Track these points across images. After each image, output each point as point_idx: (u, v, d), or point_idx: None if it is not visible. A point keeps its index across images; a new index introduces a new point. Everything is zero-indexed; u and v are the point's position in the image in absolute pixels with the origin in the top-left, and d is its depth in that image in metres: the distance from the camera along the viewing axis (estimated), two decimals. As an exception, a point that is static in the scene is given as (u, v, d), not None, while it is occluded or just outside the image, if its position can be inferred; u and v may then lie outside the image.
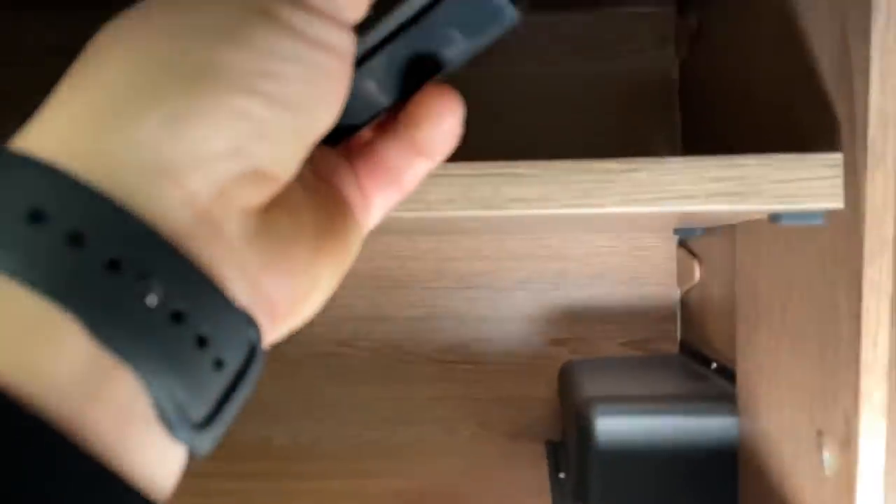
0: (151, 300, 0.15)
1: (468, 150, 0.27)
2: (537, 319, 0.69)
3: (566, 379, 0.60)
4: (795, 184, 0.31)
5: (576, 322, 0.69)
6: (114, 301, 0.15)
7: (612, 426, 0.46)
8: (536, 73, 0.67)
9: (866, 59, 0.29)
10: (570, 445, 0.54)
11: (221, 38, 0.16)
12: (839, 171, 0.31)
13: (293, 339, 0.23)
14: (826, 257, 0.34)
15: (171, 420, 0.15)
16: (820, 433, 0.34)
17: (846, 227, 0.31)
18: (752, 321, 0.45)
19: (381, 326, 0.70)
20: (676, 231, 0.65)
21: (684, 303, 0.68)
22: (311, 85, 0.18)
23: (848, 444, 0.31)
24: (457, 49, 0.22)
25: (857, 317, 0.30)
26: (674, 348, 0.69)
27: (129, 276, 0.15)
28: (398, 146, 0.23)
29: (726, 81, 0.50)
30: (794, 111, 0.37)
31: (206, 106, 0.16)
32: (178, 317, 0.15)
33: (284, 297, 0.19)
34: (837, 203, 0.31)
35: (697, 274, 0.62)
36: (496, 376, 0.70)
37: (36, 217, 0.14)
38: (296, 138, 0.18)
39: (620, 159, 0.31)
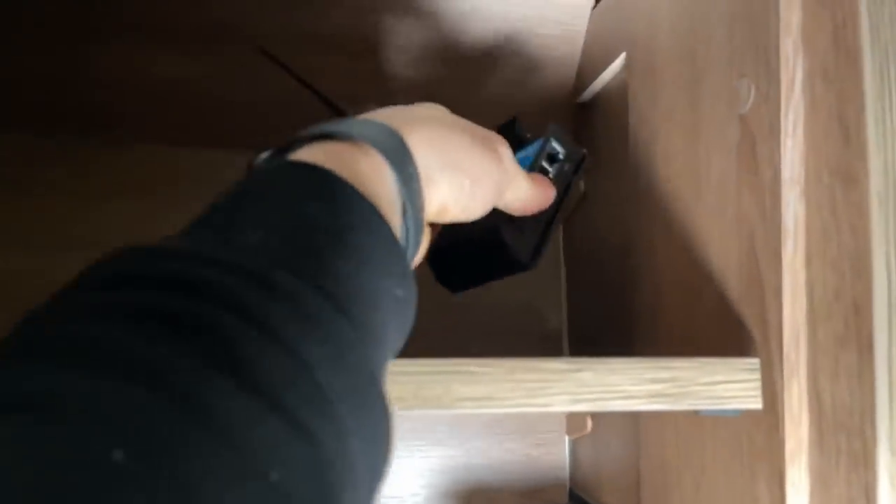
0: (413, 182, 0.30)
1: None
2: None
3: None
4: (721, 386, 0.33)
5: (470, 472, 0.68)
6: (404, 174, 0.29)
7: None
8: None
9: (777, 279, 0.33)
10: None
11: (482, 154, 0.34)
12: (757, 375, 0.34)
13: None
14: (743, 448, 0.36)
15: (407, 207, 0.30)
16: None
17: (764, 424, 0.34)
18: (659, 490, 0.47)
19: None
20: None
21: (575, 452, 0.69)
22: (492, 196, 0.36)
23: None
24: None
25: (779, 514, 0.32)
26: (564, 498, 0.69)
27: (414, 179, 0.30)
28: None
29: (607, 251, 0.55)
30: (701, 312, 0.40)
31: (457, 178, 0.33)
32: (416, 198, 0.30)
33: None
34: (756, 405, 0.34)
35: (589, 424, 0.64)
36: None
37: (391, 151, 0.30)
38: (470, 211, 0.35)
39: (567, 359, 0.32)
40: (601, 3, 0.57)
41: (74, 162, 0.60)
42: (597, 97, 0.60)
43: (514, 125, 0.48)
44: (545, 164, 0.43)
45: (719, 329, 0.38)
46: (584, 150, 0.45)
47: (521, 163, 0.42)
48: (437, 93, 0.62)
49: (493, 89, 0.63)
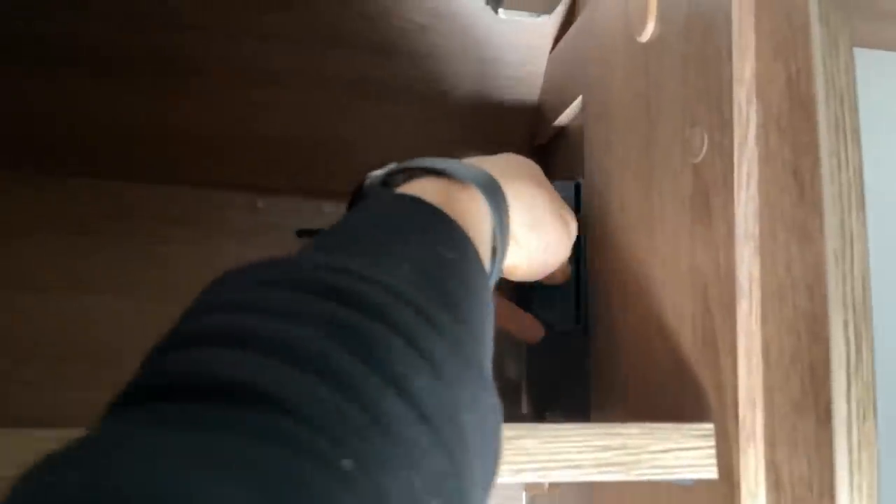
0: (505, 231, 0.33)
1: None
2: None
3: None
4: (673, 454, 0.31)
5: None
6: (502, 223, 0.32)
7: None
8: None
9: (732, 339, 0.31)
10: None
11: (560, 224, 0.39)
12: (711, 442, 0.32)
13: None
14: (698, 519, 0.33)
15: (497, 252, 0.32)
16: None
17: (719, 494, 0.32)
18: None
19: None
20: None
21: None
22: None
23: None
24: None
25: None
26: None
27: (506, 229, 0.33)
28: None
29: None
30: (657, 370, 0.38)
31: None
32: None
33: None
34: (711, 474, 0.31)
35: (547, 483, 0.61)
36: None
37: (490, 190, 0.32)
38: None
39: (507, 425, 0.30)
40: (559, 45, 0.56)
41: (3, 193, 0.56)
42: (555, 140, 0.59)
43: (579, 187, 0.50)
44: None
45: (675, 390, 0.36)
46: (578, 181, 0.49)
47: None
48: (393, 132, 0.61)
49: (451, 129, 0.61)
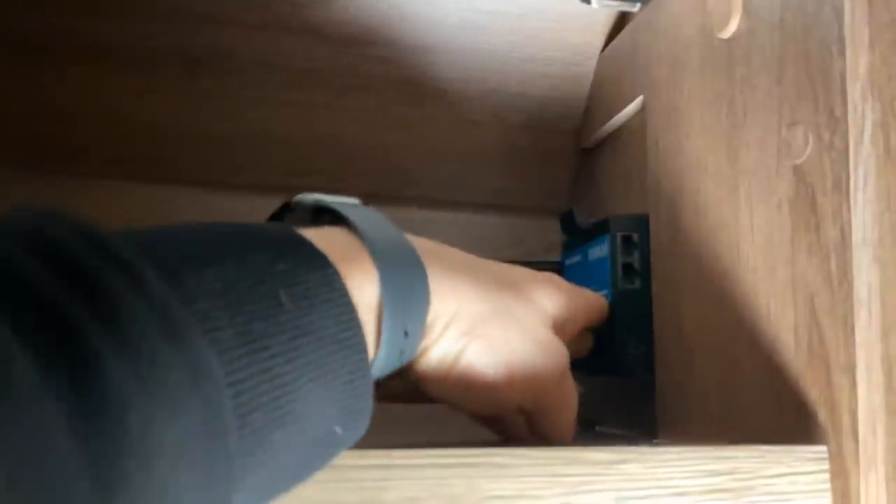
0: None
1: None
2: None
3: None
4: (787, 479, 0.29)
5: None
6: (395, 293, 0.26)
7: None
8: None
9: (848, 355, 0.29)
10: None
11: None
12: (825, 466, 0.29)
13: None
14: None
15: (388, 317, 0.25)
16: None
17: (831, 524, 0.29)
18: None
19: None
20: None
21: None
22: None
23: None
24: None
25: None
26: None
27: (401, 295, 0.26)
28: None
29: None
30: (740, 389, 0.36)
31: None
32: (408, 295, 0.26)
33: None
34: (826, 500, 0.29)
35: None
36: None
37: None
38: None
39: (610, 448, 0.27)
40: (613, 44, 0.54)
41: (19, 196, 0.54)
42: (604, 143, 0.57)
43: (573, 216, 0.48)
44: (627, 260, 0.43)
45: (770, 409, 0.33)
46: (646, 213, 0.44)
47: (599, 265, 0.43)
48: (432, 133, 0.58)
49: (494, 131, 0.59)
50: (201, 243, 0.20)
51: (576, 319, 0.35)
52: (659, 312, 0.45)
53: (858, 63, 0.29)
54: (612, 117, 0.53)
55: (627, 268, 0.43)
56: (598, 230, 0.44)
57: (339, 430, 0.22)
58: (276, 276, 0.21)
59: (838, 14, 0.30)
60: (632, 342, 0.42)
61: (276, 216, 0.32)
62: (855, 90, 0.29)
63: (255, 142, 0.55)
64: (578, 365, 0.38)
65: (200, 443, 0.17)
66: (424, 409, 0.35)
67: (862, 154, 0.29)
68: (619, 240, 0.42)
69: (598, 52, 0.55)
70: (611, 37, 0.54)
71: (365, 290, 0.25)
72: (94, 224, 0.18)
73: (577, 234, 0.47)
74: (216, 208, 0.56)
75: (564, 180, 0.61)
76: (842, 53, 0.30)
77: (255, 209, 0.56)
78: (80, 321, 0.15)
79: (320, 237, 0.24)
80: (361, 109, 0.56)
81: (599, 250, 0.44)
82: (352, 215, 0.27)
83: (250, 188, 0.56)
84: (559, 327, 0.33)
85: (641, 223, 0.44)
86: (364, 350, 0.23)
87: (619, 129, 0.54)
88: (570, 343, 0.35)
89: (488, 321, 0.29)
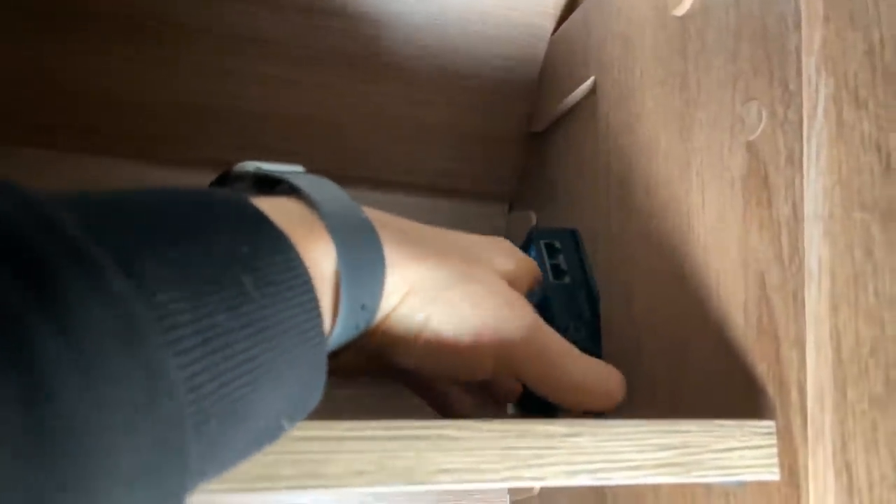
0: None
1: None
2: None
3: None
4: (737, 453, 0.28)
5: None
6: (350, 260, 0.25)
7: None
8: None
9: (798, 329, 0.29)
10: None
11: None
12: (773, 440, 0.29)
13: None
14: (747, 525, 0.31)
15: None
16: None
17: (778, 498, 0.29)
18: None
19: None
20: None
21: (516, 514, 0.63)
22: None
23: None
24: None
25: None
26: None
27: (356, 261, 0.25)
28: None
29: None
30: (691, 367, 0.35)
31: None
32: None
33: None
34: (773, 475, 0.29)
35: (537, 486, 0.58)
36: None
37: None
38: None
39: (563, 421, 0.27)
40: (564, 26, 0.53)
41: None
42: (555, 126, 0.56)
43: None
44: (553, 262, 0.47)
45: (719, 386, 0.33)
46: (573, 228, 0.49)
47: None
48: (382, 111, 0.57)
49: (444, 112, 0.57)
50: (155, 219, 0.19)
51: (523, 280, 0.34)
52: (609, 296, 0.45)
53: (814, 37, 0.29)
54: (562, 100, 0.52)
55: (555, 268, 0.47)
56: (524, 247, 0.48)
57: (285, 423, 0.21)
58: (238, 259, 0.19)
59: (794, -12, 0.30)
60: (571, 326, 0.45)
61: (217, 185, 0.30)
62: (810, 64, 0.29)
63: (199, 114, 0.52)
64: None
65: (156, 460, 0.16)
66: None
67: (815, 128, 0.29)
68: (542, 246, 0.47)
69: (549, 33, 0.55)
70: (562, 18, 0.54)
71: (322, 264, 0.24)
72: (41, 195, 0.16)
73: None
74: (154, 183, 0.53)
75: (513, 165, 0.61)
76: (798, 27, 0.30)
77: (196, 186, 0.54)
78: (33, 328, 0.14)
79: (275, 209, 0.22)
80: (315, 84, 0.54)
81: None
82: (304, 185, 0.25)
83: (191, 163, 0.53)
84: (512, 286, 0.32)
85: (562, 234, 0.48)
86: (324, 343, 0.22)
87: (570, 112, 0.53)
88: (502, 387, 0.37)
89: (450, 287, 0.28)
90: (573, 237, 0.49)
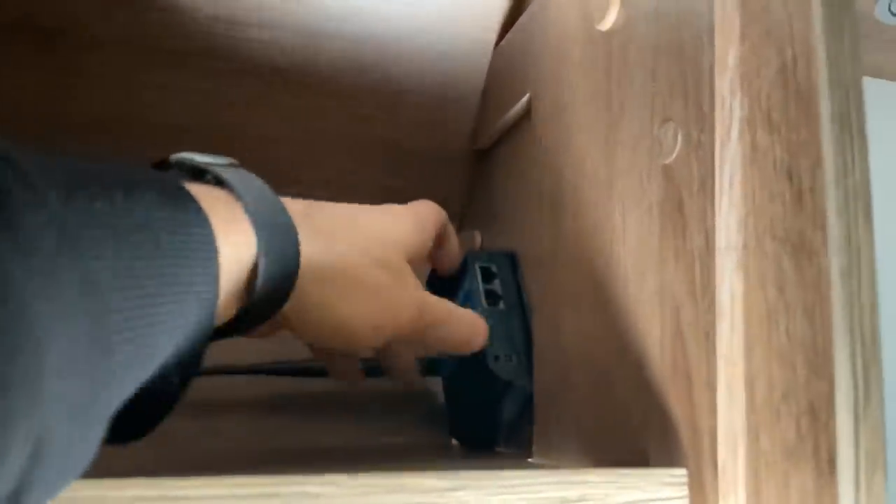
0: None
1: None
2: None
3: None
4: (641, 506, 0.26)
5: None
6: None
7: None
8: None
9: (709, 370, 0.26)
10: None
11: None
12: (684, 491, 0.27)
13: None
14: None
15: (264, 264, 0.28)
16: None
17: (690, 555, 0.27)
18: None
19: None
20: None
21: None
22: None
23: None
24: None
25: None
26: None
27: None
28: None
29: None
30: (614, 405, 0.33)
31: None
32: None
33: None
34: (684, 530, 0.26)
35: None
36: None
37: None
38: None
39: (440, 473, 0.24)
40: (507, 38, 0.51)
41: None
42: (498, 144, 0.54)
43: (435, 274, 0.48)
44: (488, 287, 0.45)
45: (638, 428, 0.31)
46: (512, 251, 0.47)
47: (466, 299, 0.45)
48: (315, 126, 0.55)
49: (384, 127, 0.55)
50: (93, 176, 0.21)
51: (426, 245, 0.39)
52: (539, 323, 0.42)
53: (728, 54, 0.27)
54: (503, 116, 0.50)
55: (490, 293, 0.45)
56: (461, 270, 0.47)
57: (174, 378, 0.24)
58: (159, 220, 0.22)
59: (710, 1, 0.28)
60: (502, 356, 0.44)
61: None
62: (723, 83, 0.27)
63: (114, 127, 0.50)
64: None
65: (87, 350, 0.18)
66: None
67: (729, 153, 0.27)
68: (477, 270, 0.46)
69: (492, 47, 0.53)
70: (503, 33, 0.52)
71: (241, 252, 0.27)
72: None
73: (444, 287, 0.47)
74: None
75: (458, 183, 0.58)
76: (711, 43, 0.27)
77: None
78: None
79: (203, 195, 0.25)
80: (240, 97, 0.52)
81: (467, 284, 0.46)
82: (233, 180, 0.29)
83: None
84: (414, 252, 0.38)
85: (499, 256, 0.47)
86: (214, 311, 0.25)
87: (512, 129, 0.51)
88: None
89: (347, 275, 0.33)
90: (510, 261, 0.47)
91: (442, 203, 0.59)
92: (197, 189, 0.26)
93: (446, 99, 0.55)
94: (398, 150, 0.56)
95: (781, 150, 0.25)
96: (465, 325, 0.38)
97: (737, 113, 0.27)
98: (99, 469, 0.20)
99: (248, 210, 0.28)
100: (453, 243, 0.44)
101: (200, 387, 0.27)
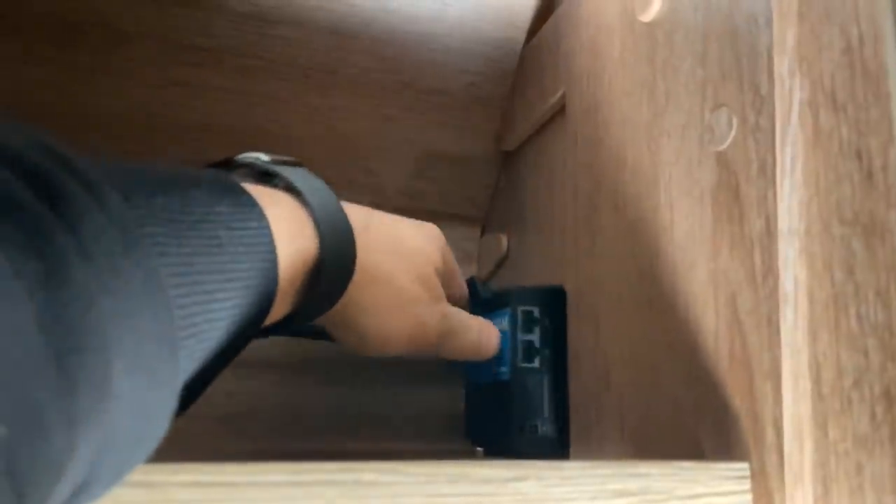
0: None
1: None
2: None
3: None
4: (704, 500, 0.25)
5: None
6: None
7: None
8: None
9: (772, 359, 0.25)
10: None
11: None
12: (746, 485, 0.26)
13: None
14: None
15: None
16: None
17: (753, 552, 0.26)
18: None
19: None
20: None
21: None
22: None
23: None
24: None
25: None
26: None
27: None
28: None
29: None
30: (660, 400, 0.32)
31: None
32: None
33: None
34: (747, 525, 0.25)
35: None
36: None
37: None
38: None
39: (505, 462, 0.23)
40: (537, 37, 0.51)
41: None
42: (526, 145, 0.53)
43: (473, 285, 0.47)
44: (526, 338, 0.41)
45: (690, 421, 0.30)
46: (560, 286, 0.43)
47: (503, 344, 0.42)
48: (340, 126, 0.54)
49: (410, 129, 0.55)
50: (147, 175, 0.21)
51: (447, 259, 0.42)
52: (575, 320, 0.41)
53: (786, 35, 0.27)
54: (532, 116, 0.50)
55: (527, 345, 0.41)
56: (500, 302, 0.43)
57: (215, 367, 0.24)
58: (217, 217, 0.22)
59: (765, -16, 0.27)
60: (528, 426, 0.40)
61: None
62: (782, 65, 0.27)
63: (139, 124, 0.49)
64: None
65: (153, 347, 0.18)
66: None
67: (789, 135, 0.26)
68: (519, 316, 0.41)
69: (520, 47, 0.52)
70: (533, 31, 0.52)
71: (303, 256, 0.28)
72: (52, 139, 0.18)
73: (477, 304, 0.44)
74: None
75: (484, 185, 0.58)
76: (769, 25, 0.27)
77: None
78: (49, 225, 0.16)
79: (268, 199, 0.26)
80: (265, 95, 0.51)
81: (500, 323, 0.42)
82: (301, 185, 0.30)
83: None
84: (440, 267, 0.40)
85: (546, 296, 0.42)
86: (267, 311, 0.26)
87: (542, 130, 0.51)
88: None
89: (392, 287, 0.36)
90: (556, 300, 0.42)
91: (468, 205, 0.58)
92: (260, 191, 0.26)
93: (473, 100, 0.54)
94: (424, 151, 0.56)
95: (849, 131, 0.25)
96: (474, 336, 0.40)
97: (797, 95, 0.26)
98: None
99: (314, 217, 0.29)
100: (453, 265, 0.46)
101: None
